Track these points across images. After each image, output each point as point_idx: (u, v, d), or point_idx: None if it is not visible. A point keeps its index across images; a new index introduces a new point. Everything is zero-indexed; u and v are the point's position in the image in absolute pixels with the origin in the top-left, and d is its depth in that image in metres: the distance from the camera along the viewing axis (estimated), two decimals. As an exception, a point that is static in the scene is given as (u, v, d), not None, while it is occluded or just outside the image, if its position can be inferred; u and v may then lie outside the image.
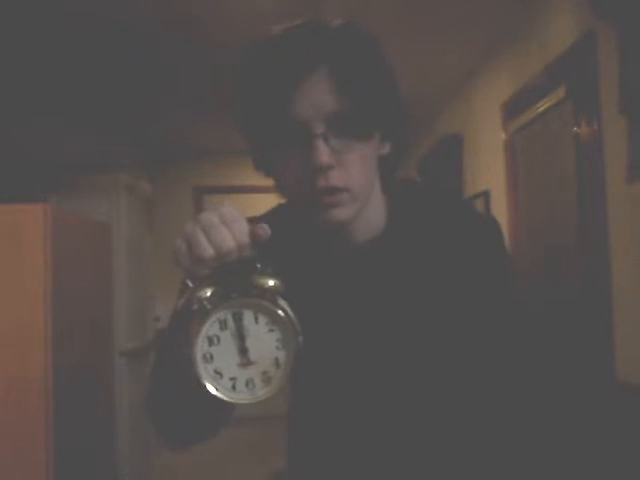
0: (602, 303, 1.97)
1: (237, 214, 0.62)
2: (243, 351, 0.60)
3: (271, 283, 0.61)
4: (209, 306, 0.60)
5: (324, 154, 0.68)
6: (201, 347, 0.60)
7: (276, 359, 0.61)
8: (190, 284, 0.61)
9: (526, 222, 2.73)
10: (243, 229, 0.60)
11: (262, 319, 0.61)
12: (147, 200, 3.64)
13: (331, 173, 0.69)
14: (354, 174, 0.71)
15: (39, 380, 1.99)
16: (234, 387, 0.60)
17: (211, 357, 0.60)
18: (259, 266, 0.62)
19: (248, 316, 0.60)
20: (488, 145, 3.18)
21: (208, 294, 0.59)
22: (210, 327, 0.60)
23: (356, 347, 0.76)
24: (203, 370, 0.60)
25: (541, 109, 2.47)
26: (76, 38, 2.74)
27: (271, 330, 0.61)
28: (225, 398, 0.60)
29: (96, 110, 3.82)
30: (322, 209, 0.71)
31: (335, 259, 0.80)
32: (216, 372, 0.60)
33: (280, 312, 0.61)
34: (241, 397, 0.60)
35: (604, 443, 1.94)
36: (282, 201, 0.84)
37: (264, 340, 0.61)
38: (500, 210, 2.98)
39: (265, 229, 0.61)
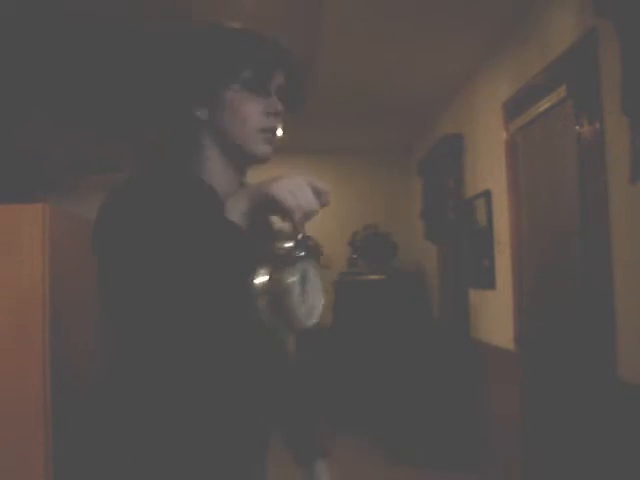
0: (604, 303, 1.97)
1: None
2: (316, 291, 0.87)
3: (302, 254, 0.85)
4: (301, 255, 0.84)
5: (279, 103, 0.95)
6: (301, 270, 0.83)
7: (320, 300, 0.87)
8: (301, 237, 0.82)
9: (527, 222, 2.72)
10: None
11: (317, 274, 0.87)
12: (147, 200, 3.63)
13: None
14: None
15: (37, 380, 1.98)
16: (300, 303, 0.83)
17: (304, 280, 0.84)
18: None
19: (314, 271, 0.87)
20: (489, 144, 3.17)
21: (301, 253, 0.83)
22: (304, 268, 0.85)
23: None
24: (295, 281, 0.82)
25: (542, 108, 2.46)
26: (76, 38, 2.74)
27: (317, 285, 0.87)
28: (295, 302, 0.82)
29: (96, 110, 3.82)
30: (262, 144, 0.94)
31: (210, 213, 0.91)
32: (302, 295, 0.83)
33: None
34: (300, 308, 0.83)
35: (605, 443, 1.94)
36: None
37: (317, 288, 0.86)
38: (501, 210, 2.97)
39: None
